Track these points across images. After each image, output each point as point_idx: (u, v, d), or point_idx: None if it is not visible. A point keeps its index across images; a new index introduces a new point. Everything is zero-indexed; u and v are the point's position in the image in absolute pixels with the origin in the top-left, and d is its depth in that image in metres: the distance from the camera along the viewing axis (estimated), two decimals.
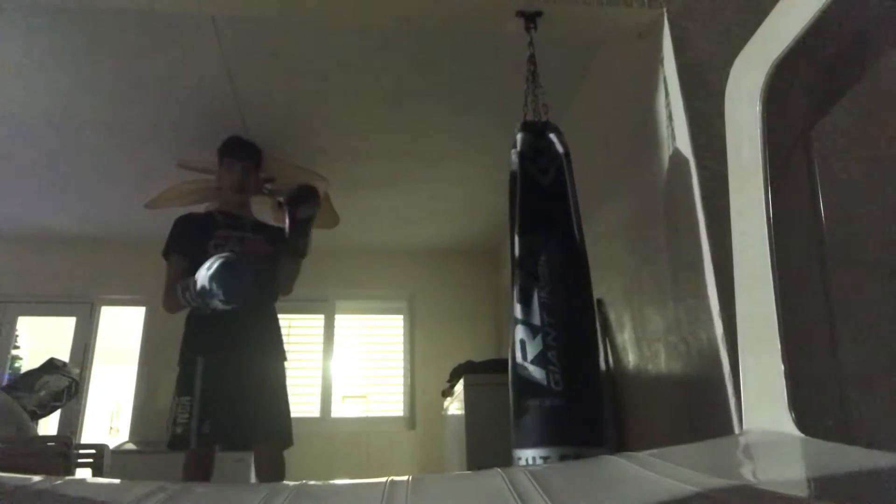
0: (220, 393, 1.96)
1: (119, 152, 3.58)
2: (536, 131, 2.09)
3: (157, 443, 3.99)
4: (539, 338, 1.84)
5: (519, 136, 2.07)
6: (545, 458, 1.75)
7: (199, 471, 1.97)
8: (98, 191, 4.04)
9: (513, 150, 2.06)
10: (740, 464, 0.94)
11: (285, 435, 2.10)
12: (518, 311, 1.91)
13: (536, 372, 1.80)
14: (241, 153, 2.24)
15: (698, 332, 1.95)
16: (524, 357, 1.85)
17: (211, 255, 2.03)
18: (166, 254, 2.25)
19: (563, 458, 1.73)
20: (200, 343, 2.05)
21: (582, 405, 1.80)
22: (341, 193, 3.59)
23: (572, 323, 1.88)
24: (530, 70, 2.25)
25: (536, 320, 1.86)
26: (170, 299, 2.13)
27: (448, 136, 3.56)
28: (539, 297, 1.88)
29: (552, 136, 2.07)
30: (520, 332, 1.88)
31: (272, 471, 2.04)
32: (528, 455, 1.78)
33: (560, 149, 2.05)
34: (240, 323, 2.06)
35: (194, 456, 1.99)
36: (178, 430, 1.95)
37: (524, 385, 1.82)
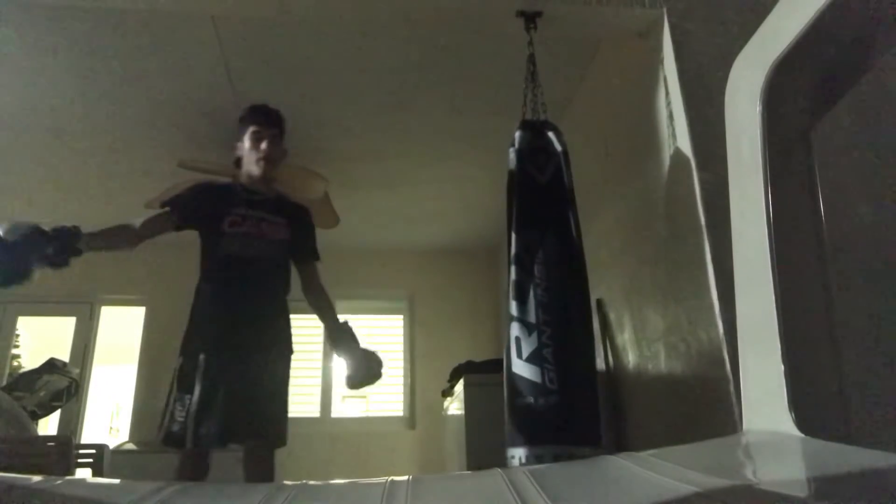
0: (220, 392, 1.89)
1: (119, 152, 3.58)
2: (535, 129, 2.09)
3: (157, 443, 3.98)
4: (534, 335, 1.81)
5: (517, 134, 2.07)
6: (539, 457, 1.72)
7: (194, 471, 1.92)
8: (98, 191, 4.04)
9: (511, 149, 2.06)
10: (740, 464, 0.94)
11: (278, 434, 2.02)
12: (514, 308, 1.88)
13: (531, 370, 1.79)
14: (267, 120, 2.16)
15: (698, 332, 1.95)
16: (519, 355, 1.82)
17: (225, 234, 1.99)
18: (170, 208, 2.10)
19: (556, 457, 1.71)
20: (203, 339, 1.98)
21: (577, 404, 1.79)
22: (341, 193, 3.59)
23: (568, 321, 1.86)
24: (529, 70, 2.25)
25: (532, 318, 1.84)
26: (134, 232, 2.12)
27: (448, 136, 3.56)
28: (535, 295, 1.86)
29: (550, 134, 2.07)
30: (515, 330, 1.86)
31: (259, 470, 1.95)
32: (520, 453, 1.76)
33: (558, 147, 2.05)
34: (245, 318, 2.02)
35: (189, 456, 1.95)
36: (175, 427, 1.89)
37: (518, 383, 1.81)
